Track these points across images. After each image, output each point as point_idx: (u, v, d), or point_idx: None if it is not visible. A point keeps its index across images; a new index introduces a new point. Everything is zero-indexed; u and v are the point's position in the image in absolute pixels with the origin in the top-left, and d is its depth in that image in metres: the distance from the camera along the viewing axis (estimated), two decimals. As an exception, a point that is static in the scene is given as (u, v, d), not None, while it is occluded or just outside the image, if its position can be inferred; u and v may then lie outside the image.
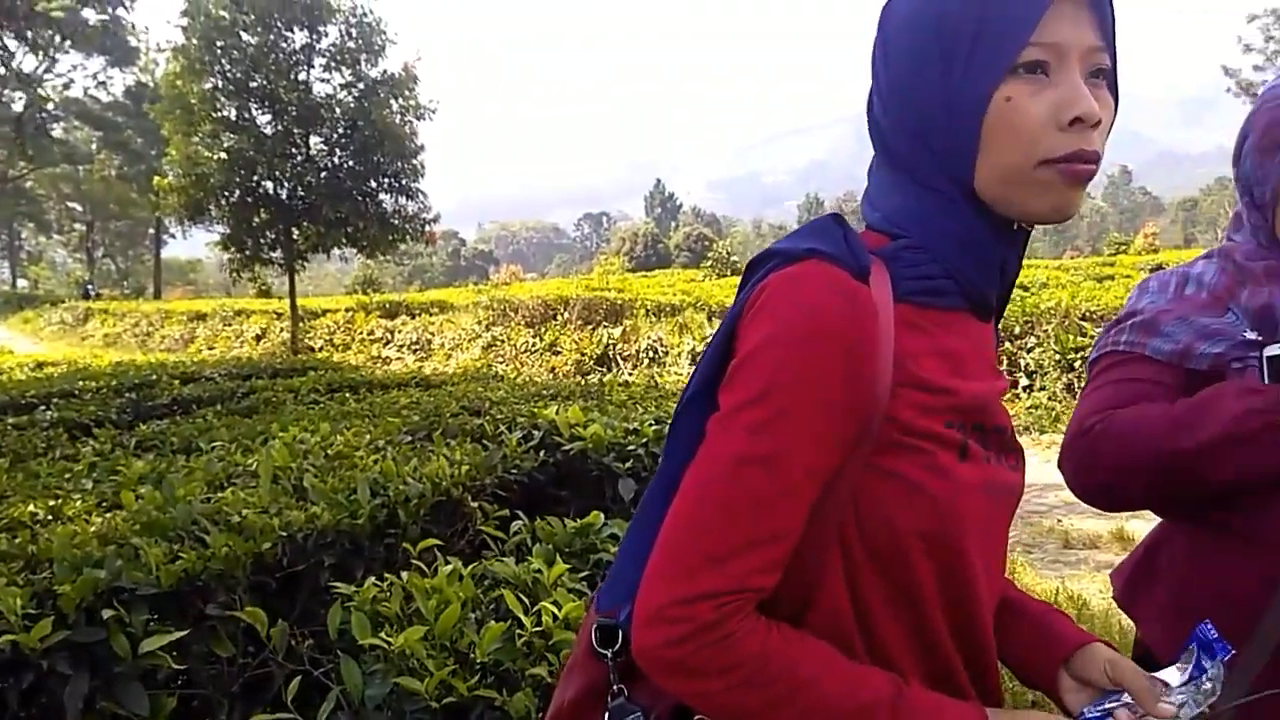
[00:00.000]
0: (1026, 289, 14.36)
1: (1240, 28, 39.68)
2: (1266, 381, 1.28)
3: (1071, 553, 5.42)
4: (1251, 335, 1.33)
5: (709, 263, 35.93)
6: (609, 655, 0.91)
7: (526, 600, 1.89)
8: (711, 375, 0.88)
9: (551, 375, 14.99)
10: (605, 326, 16.52)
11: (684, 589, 0.79)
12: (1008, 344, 10.96)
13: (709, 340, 0.91)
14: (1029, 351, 10.77)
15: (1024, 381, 10.60)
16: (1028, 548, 5.50)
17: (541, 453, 3.38)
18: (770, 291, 0.84)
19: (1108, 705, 0.92)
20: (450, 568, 2.04)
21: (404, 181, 18.61)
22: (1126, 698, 0.91)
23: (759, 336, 0.82)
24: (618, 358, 15.57)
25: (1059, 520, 5.95)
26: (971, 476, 0.88)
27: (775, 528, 0.81)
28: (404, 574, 1.99)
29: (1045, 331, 10.78)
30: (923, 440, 0.86)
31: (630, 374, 14.53)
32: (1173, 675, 0.92)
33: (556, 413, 3.72)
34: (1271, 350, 1.29)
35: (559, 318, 17.55)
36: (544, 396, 5.20)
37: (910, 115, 0.90)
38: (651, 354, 15.14)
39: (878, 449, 0.84)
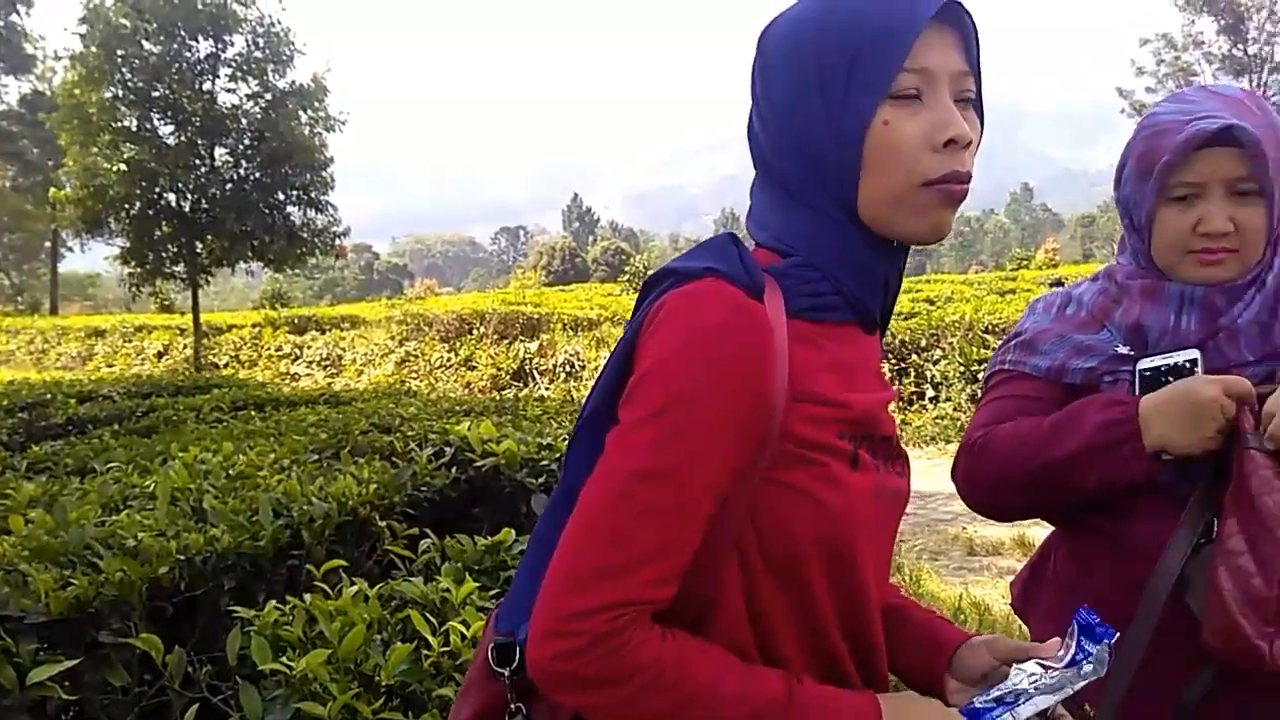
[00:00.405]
0: (933, 303, 14.77)
1: (1133, 51, 41.57)
2: (1137, 394, 1.35)
3: (975, 559, 5.59)
4: (1123, 350, 1.41)
5: (626, 277, 36.09)
6: (506, 674, 0.91)
7: (434, 620, 1.87)
8: (611, 391, 0.89)
9: (467, 390, 14.84)
10: (522, 341, 16.44)
11: (578, 602, 0.80)
12: (914, 356, 11.25)
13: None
14: (935, 364, 11.06)
15: (930, 393, 10.88)
16: (933, 555, 5.65)
17: (453, 470, 3.34)
18: (668, 309, 0.85)
19: (995, 693, 0.95)
20: (355, 589, 2.01)
21: (313, 194, 18.25)
22: (1014, 681, 0.94)
23: (657, 353, 0.84)
24: (534, 372, 15.50)
25: (963, 528, 6.12)
26: (863, 485, 0.91)
27: (671, 541, 0.82)
28: (307, 596, 1.96)
29: (950, 344, 11.09)
30: (817, 452, 0.89)
31: (547, 389, 14.48)
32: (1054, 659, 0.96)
33: (469, 429, 3.69)
34: (1144, 364, 1.36)
35: (475, 332, 17.41)
36: (457, 412, 5.14)
37: (792, 139, 0.93)
38: (568, 368, 15.11)
39: (774, 462, 0.86)
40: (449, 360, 16.84)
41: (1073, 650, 0.96)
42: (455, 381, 15.98)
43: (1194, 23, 39.81)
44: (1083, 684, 0.94)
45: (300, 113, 17.90)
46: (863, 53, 0.88)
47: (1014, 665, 0.97)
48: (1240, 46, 39.38)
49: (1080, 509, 1.43)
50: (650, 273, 0.93)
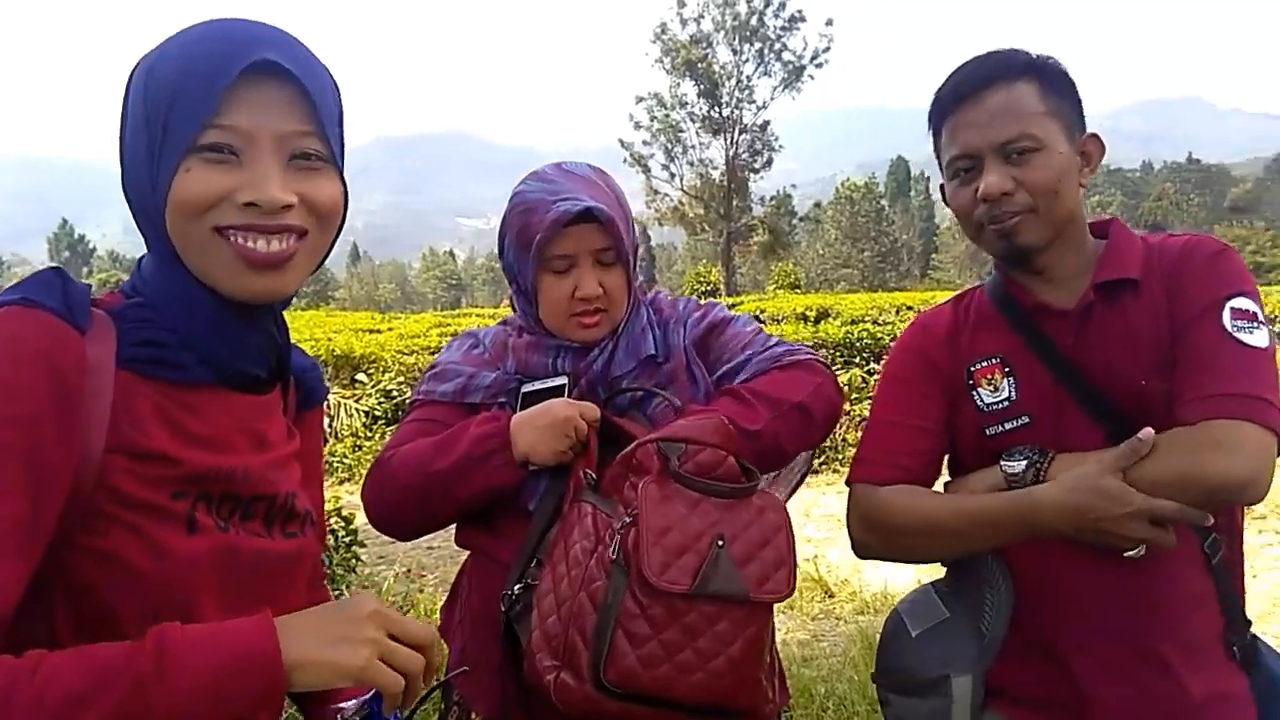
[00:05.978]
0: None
1: (631, 106, 46.08)
2: (517, 412, 1.53)
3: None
4: (514, 382, 1.60)
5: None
6: None
7: None
8: None
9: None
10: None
11: None
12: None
13: None
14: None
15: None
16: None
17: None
18: None
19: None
20: None
21: None
22: None
23: None
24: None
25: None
26: (197, 549, 0.89)
27: None
28: None
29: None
30: (141, 514, 0.86)
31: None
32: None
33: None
34: (526, 388, 1.58)
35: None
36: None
37: (129, 181, 0.96)
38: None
39: (90, 523, 0.83)
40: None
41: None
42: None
43: (679, 85, 45.24)
44: None
45: None
46: (176, 105, 0.90)
47: None
48: (716, 109, 45.49)
49: (468, 532, 1.60)
50: None
